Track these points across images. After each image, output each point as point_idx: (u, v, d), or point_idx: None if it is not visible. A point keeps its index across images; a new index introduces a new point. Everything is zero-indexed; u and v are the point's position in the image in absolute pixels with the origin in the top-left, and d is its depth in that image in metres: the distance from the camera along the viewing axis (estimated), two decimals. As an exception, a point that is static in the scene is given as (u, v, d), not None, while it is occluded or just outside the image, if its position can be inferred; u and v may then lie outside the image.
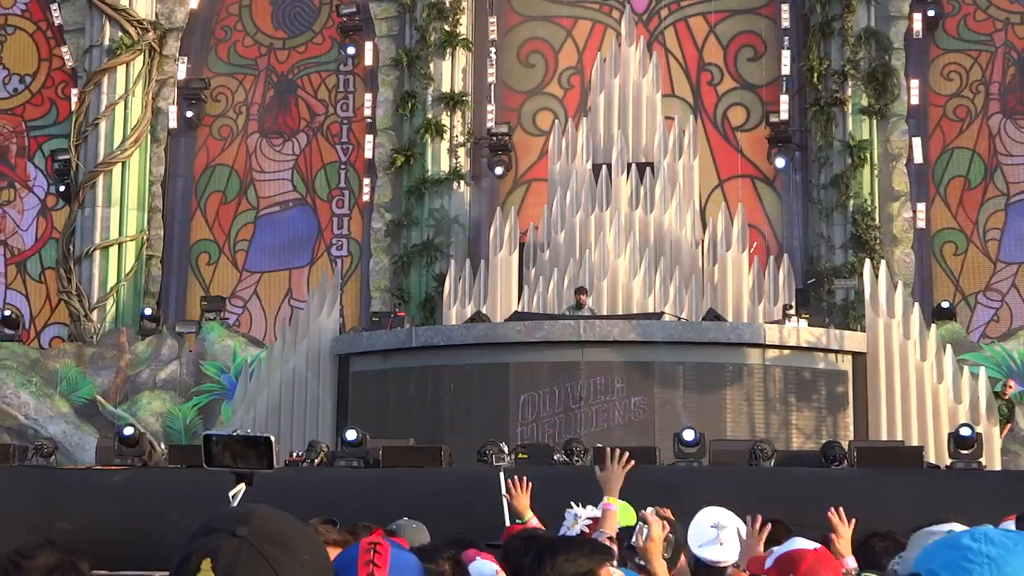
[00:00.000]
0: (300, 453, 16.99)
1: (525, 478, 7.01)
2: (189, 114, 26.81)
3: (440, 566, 4.30)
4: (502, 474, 7.65)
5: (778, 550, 4.36)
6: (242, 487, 3.32)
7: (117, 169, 26.24)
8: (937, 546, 2.42)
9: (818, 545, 4.48)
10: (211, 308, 24.88)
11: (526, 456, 15.91)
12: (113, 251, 26.05)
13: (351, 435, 16.21)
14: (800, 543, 4.41)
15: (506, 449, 15.89)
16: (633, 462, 6.70)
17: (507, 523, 7.27)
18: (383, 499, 13.73)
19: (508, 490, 6.96)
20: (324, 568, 2.38)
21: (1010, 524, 7.52)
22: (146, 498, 14.71)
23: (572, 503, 6.44)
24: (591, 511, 6.40)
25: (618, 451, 6.72)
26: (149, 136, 26.76)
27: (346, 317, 24.41)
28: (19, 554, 2.45)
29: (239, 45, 27.46)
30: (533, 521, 6.84)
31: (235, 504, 3.26)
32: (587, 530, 6.22)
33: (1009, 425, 20.30)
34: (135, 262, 26.19)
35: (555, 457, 15.96)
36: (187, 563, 2.28)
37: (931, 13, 25.23)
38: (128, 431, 16.85)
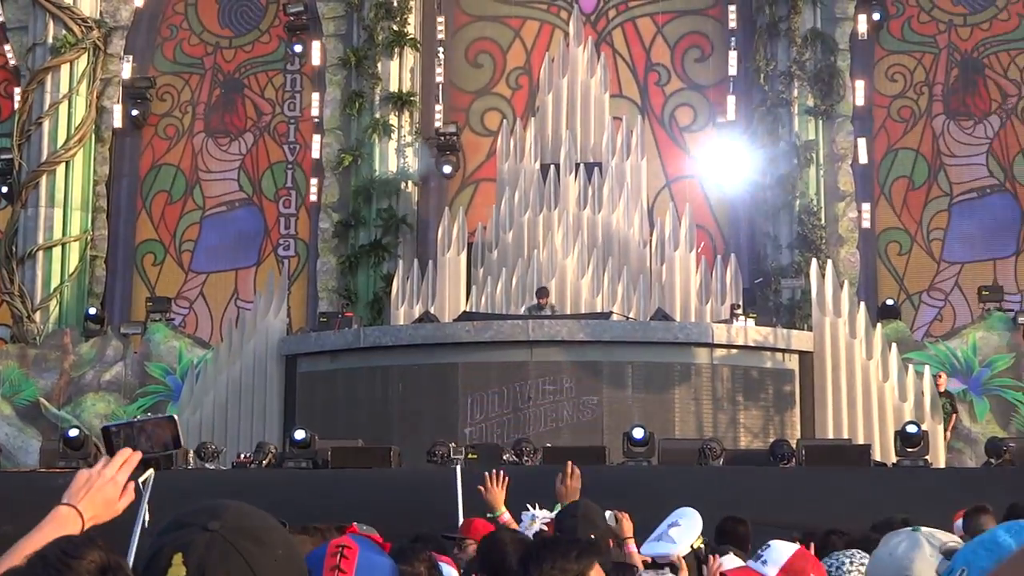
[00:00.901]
0: (248, 455, 16.88)
1: (503, 472, 7.00)
2: (134, 113, 26.58)
3: (415, 568, 4.25)
4: (458, 468, 7.67)
5: (773, 558, 4.30)
6: (151, 472, 3.22)
7: (61, 168, 25.96)
8: (975, 545, 2.45)
9: (797, 545, 4.49)
10: (156, 309, 24.68)
11: (475, 456, 15.89)
12: (56, 251, 25.78)
13: (299, 435, 16.13)
14: (783, 546, 4.39)
15: (455, 449, 15.85)
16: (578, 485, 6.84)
17: (460, 518, 7.26)
18: (333, 500, 13.67)
19: (483, 483, 6.96)
20: (298, 564, 2.34)
21: (959, 521, 7.60)
22: (91, 501, 14.51)
23: (528, 505, 6.45)
24: (547, 513, 6.42)
25: (576, 469, 6.82)
26: (93, 135, 26.50)
27: (293, 318, 24.28)
28: (65, 553, 2.37)
29: (185, 44, 27.26)
30: (505, 516, 6.84)
31: (146, 491, 3.17)
32: (546, 529, 6.22)
33: (955, 416, 20.48)
34: (79, 263, 25.93)
35: (504, 457, 15.94)
36: (158, 557, 2.23)
37: (876, 15, 25.44)
38: (73, 433, 16.68)
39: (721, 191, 25.55)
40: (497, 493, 6.96)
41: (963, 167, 25.45)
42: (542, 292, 20.42)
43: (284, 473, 15.87)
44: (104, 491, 2.90)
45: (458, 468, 8.04)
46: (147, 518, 3.15)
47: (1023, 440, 18.68)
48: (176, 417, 3.25)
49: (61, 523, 2.80)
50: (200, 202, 26.65)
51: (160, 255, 26.52)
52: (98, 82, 26.60)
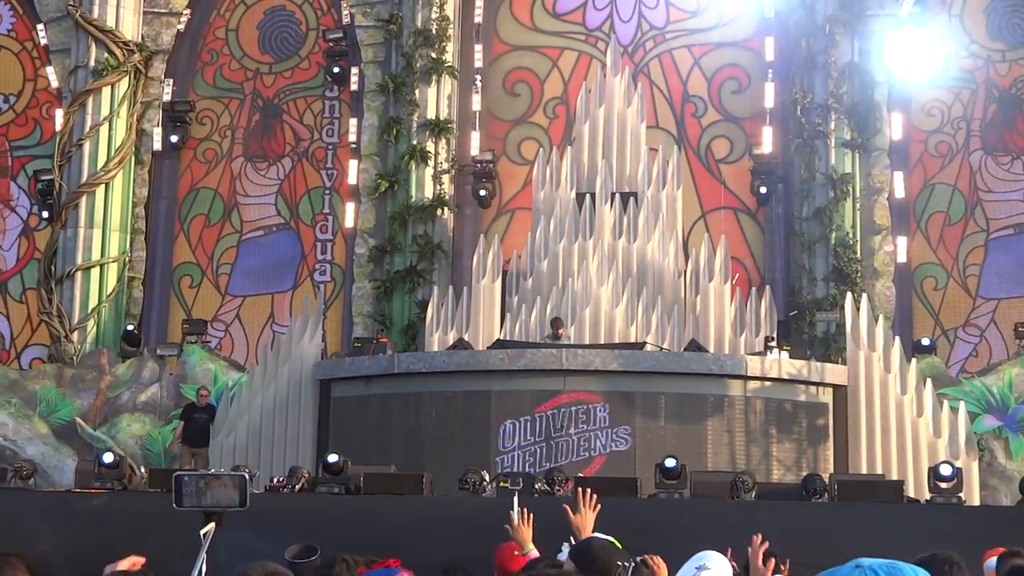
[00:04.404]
0: (281, 479, 16.93)
1: (526, 510, 6.91)
2: (174, 137, 26.82)
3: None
4: (515, 498, 7.57)
5: None
6: (212, 525, 3.27)
7: (100, 190, 26.19)
8: None
9: None
10: (192, 331, 24.83)
11: (507, 484, 15.88)
12: (95, 272, 25.98)
13: (332, 458, 16.16)
14: None
15: (487, 477, 15.87)
16: (599, 506, 6.67)
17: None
18: (364, 526, 13.72)
19: (517, 516, 6.86)
20: None
21: (993, 559, 7.57)
22: (126, 523, 14.63)
23: (566, 542, 6.45)
24: None
25: (588, 493, 6.68)
26: (133, 158, 26.74)
27: (328, 342, 24.40)
28: None
29: (225, 69, 27.50)
30: (533, 552, 6.80)
31: (205, 542, 3.21)
32: None
33: None
34: (117, 284, 26.13)
35: (536, 486, 15.93)
36: None
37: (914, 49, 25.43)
38: (108, 458, 16.75)
39: (756, 223, 25.53)
40: (524, 531, 6.85)
41: (1000, 203, 25.36)
42: (557, 322, 20.41)
43: (317, 498, 15.92)
44: None
45: (515, 497, 7.88)
46: (204, 569, 3.19)
47: (1058, 478, 18.54)
48: (247, 476, 3.30)
49: None
50: (237, 226, 26.84)
51: (197, 277, 26.70)
52: (139, 105, 26.86)
